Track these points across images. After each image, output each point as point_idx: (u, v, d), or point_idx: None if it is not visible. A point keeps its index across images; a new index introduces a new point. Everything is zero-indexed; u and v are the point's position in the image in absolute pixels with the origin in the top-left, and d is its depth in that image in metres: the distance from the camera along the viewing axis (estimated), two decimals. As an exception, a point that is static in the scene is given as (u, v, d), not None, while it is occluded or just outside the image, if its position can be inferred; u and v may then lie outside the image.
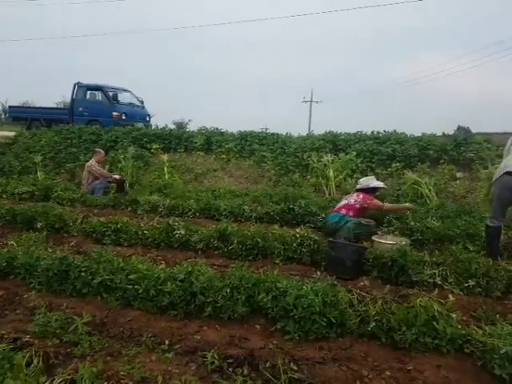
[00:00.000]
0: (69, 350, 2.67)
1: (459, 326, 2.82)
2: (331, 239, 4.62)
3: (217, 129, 12.22)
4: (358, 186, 5.87)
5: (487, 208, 6.28)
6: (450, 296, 3.17)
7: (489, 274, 3.82)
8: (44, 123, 15.86)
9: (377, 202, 5.58)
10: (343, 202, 5.65)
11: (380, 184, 5.96)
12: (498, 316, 3.09)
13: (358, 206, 5.46)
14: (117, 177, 8.89)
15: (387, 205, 5.72)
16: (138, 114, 15.79)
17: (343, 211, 5.44)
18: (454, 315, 2.86)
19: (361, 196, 5.54)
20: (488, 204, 6.29)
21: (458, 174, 8.54)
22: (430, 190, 7.44)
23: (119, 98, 15.16)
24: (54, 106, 20.82)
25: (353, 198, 5.59)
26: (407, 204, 5.85)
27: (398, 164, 8.86)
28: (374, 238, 4.82)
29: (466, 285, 3.76)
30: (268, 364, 2.54)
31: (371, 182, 5.86)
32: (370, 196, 5.58)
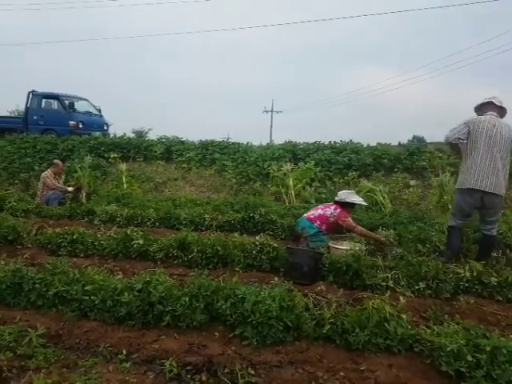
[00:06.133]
0: (23, 363, 2.60)
1: (409, 327, 2.94)
2: (289, 246, 4.71)
3: (177, 137, 12.19)
4: (336, 198, 5.56)
5: (439, 214, 6.61)
6: (401, 298, 3.30)
7: (438, 276, 4.00)
8: None
9: (351, 222, 5.26)
10: (319, 212, 5.41)
11: (357, 200, 5.58)
12: (446, 316, 3.25)
13: (332, 219, 5.30)
14: (70, 189, 8.70)
15: (360, 228, 5.25)
16: (95, 123, 15.42)
17: (317, 223, 5.30)
18: (404, 316, 2.99)
19: (338, 210, 5.31)
20: (439, 210, 6.61)
21: (411, 182, 8.93)
22: (384, 198, 7.76)
23: (76, 107, 14.76)
24: (8, 114, 19.99)
25: (329, 210, 5.36)
26: (382, 238, 5.14)
27: (354, 173, 9.18)
28: (330, 243, 4.97)
29: (417, 287, 3.94)
30: (226, 370, 2.57)
31: (349, 196, 5.50)
32: (345, 213, 5.32)
